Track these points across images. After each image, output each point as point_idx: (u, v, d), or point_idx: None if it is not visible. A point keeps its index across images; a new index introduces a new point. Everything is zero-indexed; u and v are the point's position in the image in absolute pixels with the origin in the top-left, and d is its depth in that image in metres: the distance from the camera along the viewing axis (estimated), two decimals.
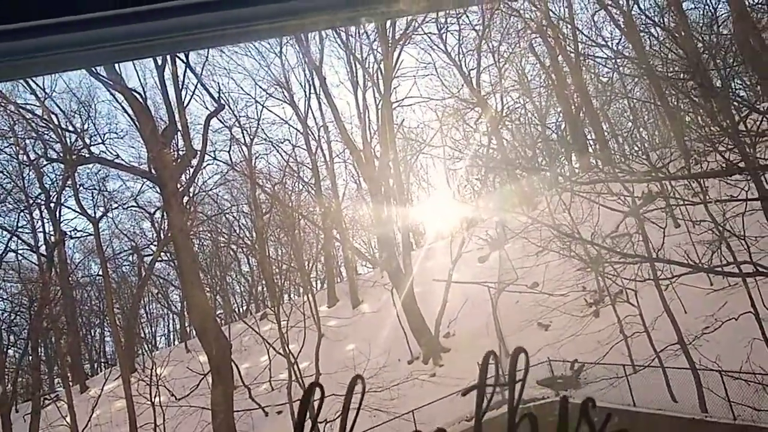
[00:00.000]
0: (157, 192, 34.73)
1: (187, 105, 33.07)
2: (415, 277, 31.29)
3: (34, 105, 34.36)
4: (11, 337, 37.85)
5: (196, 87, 34.50)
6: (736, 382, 18.53)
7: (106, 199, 37.95)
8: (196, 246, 39.25)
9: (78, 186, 36.62)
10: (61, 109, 35.17)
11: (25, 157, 37.56)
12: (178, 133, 32.17)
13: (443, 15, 35.35)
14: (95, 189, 37.50)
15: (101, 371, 40.59)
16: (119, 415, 29.59)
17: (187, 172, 32.98)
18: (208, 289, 38.15)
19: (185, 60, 32.43)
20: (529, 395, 17.94)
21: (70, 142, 35.43)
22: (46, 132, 35.58)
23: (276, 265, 40.80)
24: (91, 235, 37.60)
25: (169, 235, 32.59)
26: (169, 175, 28.99)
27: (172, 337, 47.91)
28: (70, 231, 38.82)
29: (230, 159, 39.15)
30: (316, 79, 35.93)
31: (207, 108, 34.64)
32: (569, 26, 36.36)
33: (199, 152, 32.51)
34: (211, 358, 26.77)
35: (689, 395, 19.78)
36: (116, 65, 28.96)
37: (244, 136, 38.63)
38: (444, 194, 40.42)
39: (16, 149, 37.24)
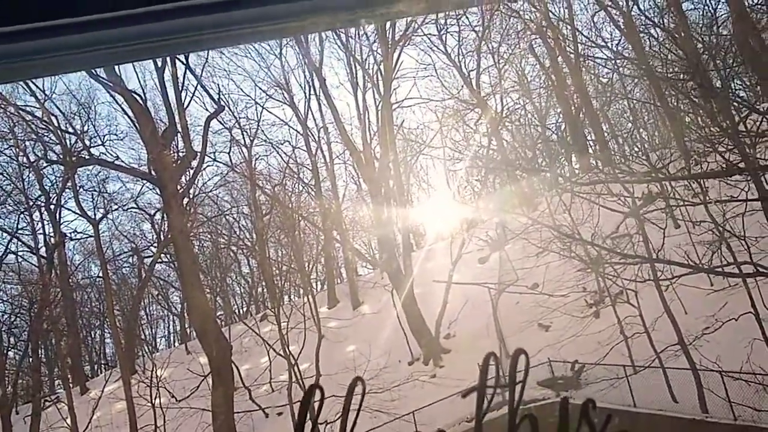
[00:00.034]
0: (157, 193, 34.78)
1: (187, 106, 33.12)
2: (416, 278, 31.29)
3: (34, 107, 34.43)
4: (11, 339, 37.92)
5: (196, 88, 34.43)
6: (736, 382, 18.53)
7: (106, 201, 38.03)
8: (197, 247, 39.31)
9: (78, 188, 36.66)
10: (61, 111, 35.23)
11: (25, 159, 37.62)
12: (178, 135, 32.19)
13: (443, 16, 35.38)
14: (95, 191, 37.56)
15: (101, 373, 40.61)
16: (120, 416, 29.59)
17: (187, 173, 33.02)
18: (208, 291, 38.19)
19: (185, 62, 32.48)
20: (529, 396, 17.94)
21: (70, 143, 35.47)
22: (46, 134, 35.63)
23: (276, 267, 40.79)
24: (91, 236, 37.65)
25: (169, 236, 32.60)
26: (169, 177, 29.00)
27: (172, 338, 47.96)
28: (70, 233, 38.90)
29: (230, 160, 39.21)
30: (316, 81, 35.98)
31: (207, 109, 34.70)
32: (569, 27, 36.39)
33: (199, 154, 32.53)
34: (212, 360, 26.76)
35: (690, 396, 19.78)
36: (116, 67, 28.95)
37: (244, 138, 38.69)
38: (444, 195, 40.42)
39: (16, 151, 37.31)
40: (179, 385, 29.25)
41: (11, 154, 37.34)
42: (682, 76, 21.85)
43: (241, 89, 39.96)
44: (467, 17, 36.36)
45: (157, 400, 28.30)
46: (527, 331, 26.63)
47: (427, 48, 37.44)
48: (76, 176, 36.32)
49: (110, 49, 1.27)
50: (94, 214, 36.77)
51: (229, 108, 36.77)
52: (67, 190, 37.37)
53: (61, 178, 37.58)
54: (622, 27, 32.82)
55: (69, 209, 38.13)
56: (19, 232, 37.99)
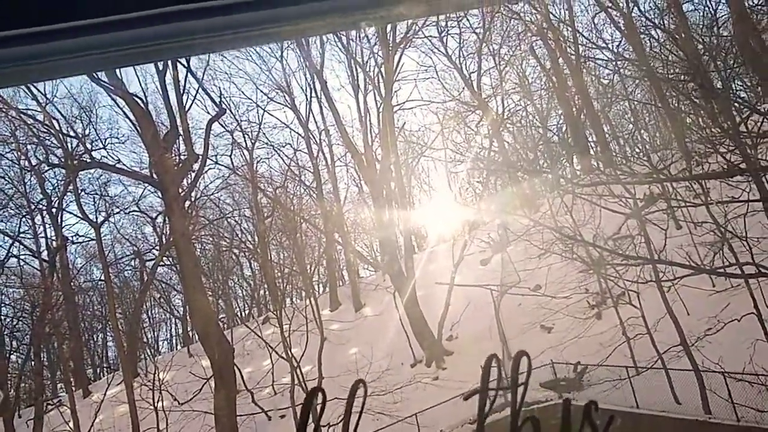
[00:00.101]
0: (158, 196, 34.76)
1: (189, 109, 33.11)
2: (418, 280, 31.29)
3: (36, 110, 34.45)
4: (14, 343, 37.93)
5: (197, 91, 34.51)
6: (739, 383, 18.51)
7: (107, 204, 38.00)
8: (198, 250, 39.33)
9: (79, 191, 36.65)
10: (62, 115, 35.23)
11: (26, 163, 37.66)
12: (180, 138, 32.19)
13: (443, 18, 35.38)
14: (97, 194, 37.54)
15: (104, 376, 40.60)
16: (122, 420, 29.57)
17: (189, 176, 33.01)
18: (210, 294, 38.19)
19: (186, 65, 32.50)
20: (532, 398, 17.92)
21: (72, 147, 35.46)
22: (47, 137, 35.64)
23: (278, 269, 40.86)
24: (92, 240, 37.64)
25: (171, 239, 32.59)
26: (171, 180, 29.00)
27: (174, 341, 47.94)
28: (72, 236, 38.87)
29: (232, 163, 39.20)
30: (317, 83, 35.98)
31: (208, 112, 34.71)
32: (570, 29, 36.39)
33: (200, 157, 32.53)
34: (214, 363, 26.75)
35: (692, 397, 19.75)
36: (117, 70, 29.03)
37: (245, 141, 38.71)
38: (445, 197, 40.44)
39: (17, 155, 37.34)
40: (181, 388, 29.25)
41: (13, 157, 37.41)
42: (682, 77, 21.85)
43: (243, 92, 40.21)
44: (468, 19, 36.41)
45: (160, 404, 28.29)
46: (530, 332, 26.62)
47: (428, 50, 37.50)
48: (77, 180, 36.34)
49: (110, 52, 1.27)
50: (96, 218, 36.78)
51: (230, 111, 36.83)
52: (68, 194, 37.41)
53: (62, 182, 37.64)
54: (623, 28, 32.83)
55: (71, 213, 38.08)
56: (21, 235, 38.04)
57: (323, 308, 35.55)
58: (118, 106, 32.39)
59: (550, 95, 40.16)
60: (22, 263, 38.81)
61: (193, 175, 33.44)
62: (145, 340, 45.60)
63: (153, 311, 47.54)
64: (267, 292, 44.23)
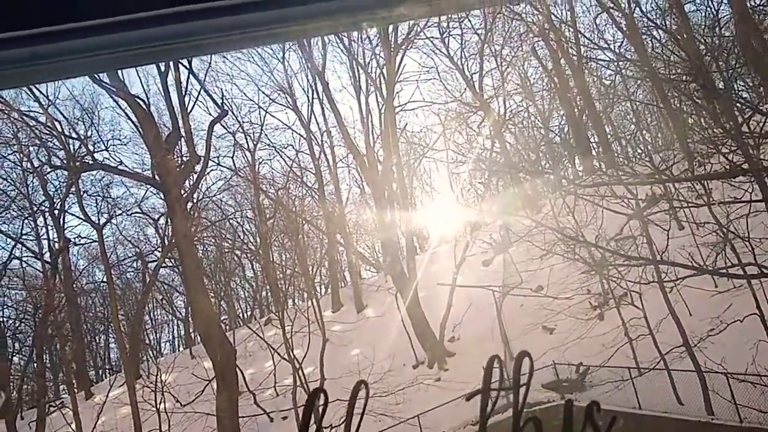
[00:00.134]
0: (161, 198, 34.79)
1: (191, 111, 33.13)
2: (420, 281, 31.28)
3: (38, 112, 34.50)
4: (16, 344, 38.00)
5: (199, 93, 34.43)
6: (742, 384, 18.48)
7: (110, 206, 38.04)
8: (201, 252, 39.35)
9: (82, 193, 36.67)
10: (64, 116, 35.28)
11: (28, 165, 37.72)
12: (182, 139, 32.20)
13: (445, 19, 35.39)
14: (99, 196, 37.58)
15: (106, 378, 40.66)
16: (124, 421, 29.60)
17: (191, 178, 33.04)
18: (212, 295, 38.19)
19: (188, 66, 32.50)
20: (534, 399, 17.91)
21: (74, 149, 35.50)
22: (49, 139, 35.69)
23: (280, 271, 40.89)
24: (95, 241, 37.71)
25: (173, 241, 32.58)
26: (173, 181, 29.01)
27: (176, 343, 48.03)
28: (74, 238, 38.94)
29: (234, 164, 39.25)
30: (319, 85, 36.02)
31: (210, 114, 34.74)
32: (571, 29, 36.41)
33: (202, 158, 32.55)
34: (216, 364, 26.75)
35: (695, 398, 19.73)
36: (119, 72, 29.04)
37: (247, 142, 38.76)
38: (447, 198, 40.44)
39: (19, 156, 37.38)
40: (184, 390, 29.25)
41: (15, 159, 37.46)
42: (684, 77, 21.84)
43: (245, 93, 40.28)
44: (469, 20, 36.42)
45: (162, 405, 28.31)
46: (531, 333, 26.60)
47: (429, 51, 37.52)
48: (79, 181, 36.39)
49: (119, 52, 1.27)
50: (98, 219, 36.81)
51: (232, 112, 36.86)
52: (71, 195, 37.46)
53: (65, 183, 37.68)
54: (625, 29, 32.86)
55: (73, 214, 38.14)
56: (24, 237, 38.06)
57: (325, 309, 35.59)
58: (120, 107, 32.45)
59: (552, 96, 40.18)
60: (24, 265, 38.90)
61: (195, 176, 33.49)
62: (147, 341, 45.66)
63: (155, 313, 47.68)
64: (269, 294, 44.29)
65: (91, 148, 35.23)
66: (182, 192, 30.66)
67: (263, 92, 38.41)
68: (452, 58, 37.25)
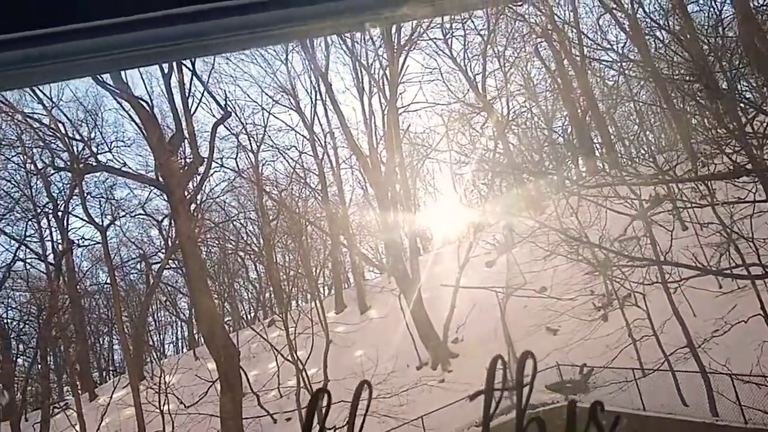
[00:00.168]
0: (164, 200, 34.85)
1: (194, 113, 33.19)
2: (423, 282, 31.27)
3: (41, 114, 34.54)
4: (20, 346, 38.03)
5: (202, 95, 34.46)
6: (746, 385, 18.45)
7: (113, 208, 38.08)
8: (204, 253, 39.39)
9: (85, 194, 36.73)
10: (68, 118, 35.31)
11: (32, 166, 37.78)
12: (185, 141, 32.25)
13: (448, 20, 35.40)
14: (103, 197, 37.63)
15: (110, 379, 40.65)
16: (128, 423, 29.63)
17: (195, 179, 33.09)
18: (216, 296, 38.23)
19: (192, 68, 32.57)
20: (538, 400, 17.91)
21: (77, 150, 35.57)
22: (53, 141, 35.74)
23: (283, 272, 40.90)
24: (98, 243, 37.72)
25: (177, 242, 32.65)
26: (177, 183, 29.04)
27: (180, 344, 47.99)
28: (78, 239, 38.95)
29: (237, 166, 39.32)
30: (322, 86, 36.04)
31: (214, 115, 34.77)
32: (574, 30, 36.38)
33: (206, 160, 32.60)
34: (220, 366, 26.76)
35: (699, 399, 19.70)
36: (122, 74, 29.09)
37: (250, 143, 38.79)
38: (451, 199, 40.40)
39: (23, 158, 37.47)
40: (188, 391, 29.29)
41: (19, 161, 37.56)
42: (688, 78, 21.80)
43: (248, 95, 40.04)
44: (473, 21, 36.43)
45: (166, 407, 28.35)
46: (535, 334, 26.57)
47: (432, 52, 37.51)
48: (83, 183, 36.42)
49: (116, 54, 1.27)
50: (102, 221, 36.88)
51: (235, 114, 36.92)
52: (74, 197, 37.50)
53: (68, 185, 37.75)
54: (628, 30, 32.80)
55: (76, 216, 38.14)
56: (27, 239, 38.12)
57: (328, 311, 35.58)
58: (124, 109, 32.51)
59: (555, 97, 40.18)
60: (28, 267, 38.97)
61: (199, 178, 33.54)
62: (151, 343, 45.64)
63: (159, 314, 47.65)
64: (272, 295, 44.31)
65: (94, 149, 35.32)
66: (186, 193, 30.68)
67: (266, 94, 38.47)
68: (455, 59, 37.27)
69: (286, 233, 40.36)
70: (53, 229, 38.54)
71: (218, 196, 40.69)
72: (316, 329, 29.54)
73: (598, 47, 34.58)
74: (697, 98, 21.44)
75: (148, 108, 30.46)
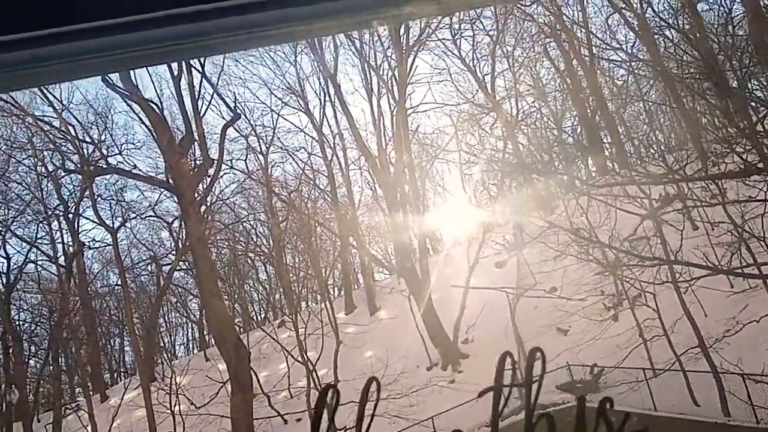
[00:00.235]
0: (174, 201, 34.96)
1: (204, 115, 33.26)
2: (433, 283, 31.24)
3: (52, 117, 34.69)
4: (32, 348, 38.25)
5: (212, 97, 34.53)
6: (758, 385, 18.33)
7: (124, 210, 38.20)
8: (214, 255, 39.46)
9: (96, 197, 36.85)
10: (78, 121, 35.45)
11: (43, 169, 37.94)
12: (195, 143, 32.32)
13: (457, 21, 35.39)
14: (113, 199, 37.76)
15: (121, 381, 40.79)
16: (139, 424, 29.73)
17: (205, 181, 33.13)
18: (226, 298, 38.25)
19: (201, 70, 32.66)
20: (549, 400, 17.84)
21: (88, 153, 35.70)
22: (63, 143, 35.89)
23: (293, 273, 40.98)
24: (109, 245, 37.87)
25: (187, 244, 32.74)
26: (187, 185, 29.09)
27: (191, 345, 48.13)
28: (89, 241, 39.12)
29: (247, 168, 39.36)
30: (331, 87, 36.03)
31: (223, 117, 34.86)
32: (583, 30, 36.28)
33: (215, 161, 32.66)
34: (230, 366, 26.80)
35: (711, 399, 19.58)
36: (132, 76, 29.22)
37: (260, 145, 38.85)
38: (460, 200, 40.35)
39: (34, 161, 37.65)
40: (198, 392, 29.35)
41: (30, 164, 37.73)
42: (697, 76, 21.71)
43: (257, 97, 40.20)
44: (481, 22, 36.43)
45: (177, 408, 28.43)
46: (546, 335, 26.50)
47: (441, 53, 37.49)
48: (93, 185, 36.55)
49: (119, 54, 1.28)
50: (113, 223, 37.01)
51: (245, 116, 36.98)
52: (85, 199, 37.63)
53: (79, 188, 37.88)
54: (637, 29, 32.69)
55: (87, 218, 38.37)
56: (38, 241, 38.31)
57: (338, 312, 35.61)
58: (134, 111, 32.56)
59: (565, 97, 40.07)
60: (39, 269, 39.18)
61: (209, 179, 33.58)
62: (161, 344, 45.80)
63: (169, 316, 47.80)
64: (282, 296, 44.39)
65: (104, 152, 35.42)
66: (196, 195, 30.73)
67: (275, 95, 38.52)
68: (464, 59, 37.22)
69: (296, 234, 40.44)
70: (64, 232, 38.74)
71: (228, 198, 40.83)
72: (326, 330, 29.60)
73: (607, 47, 34.50)
74: (707, 97, 21.34)
75: (158, 110, 30.55)
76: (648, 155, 35.65)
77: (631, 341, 22.88)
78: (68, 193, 38.49)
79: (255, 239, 44.49)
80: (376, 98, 35.77)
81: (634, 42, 34.09)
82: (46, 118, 34.76)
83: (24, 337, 36.56)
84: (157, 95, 41.44)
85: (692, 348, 20.62)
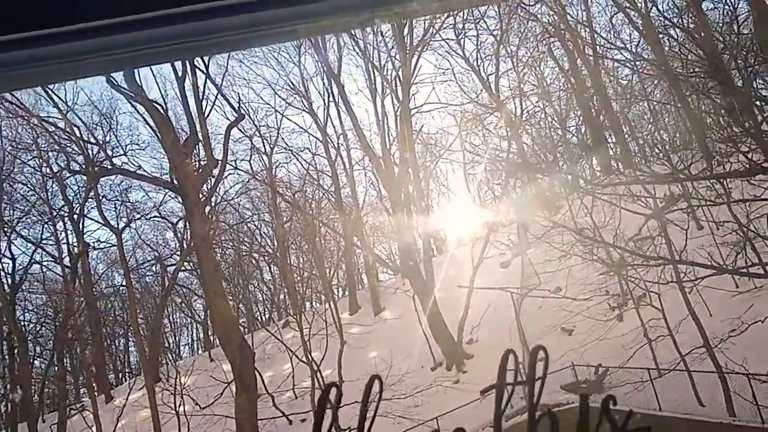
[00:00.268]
0: (179, 202, 34.96)
1: (208, 115, 33.23)
2: (437, 283, 31.22)
3: (57, 118, 34.72)
4: (37, 348, 38.32)
5: (216, 97, 34.59)
6: (764, 385, 18.29)
7: (128, 210, 38.22)
8: (219, 255, 39.45)
9: (101, 197, 36.88)
10: (83, 122, 35.48)
11: (48, 170, 38.04)
12: (200, 144, 32.33)
13: (461, 21, 35.36)
14: (118, 200, 37.79)
15: (126, 381, 40.87)
16: (144, 424, 29.76)
17: (209, 181, 33.16)
18: (230, 298, 38.29)
19: (205, 71, 32.65)
20: (553, 400, 17.83)
21: (93, 154, 35.74)
22: (68, 144, 35.94)
23: (297, 273, 40.97)
24: (114, 245, 37.92)
25: (192, 244, 32.74)
26: (191, 185, 29.10)
27: (195, 346, 48.17)
28: (94, 242, 39.20)
29: (251, 168, 39.34)
30: (335, 87, 36.05)
31: (227, 118, 34.83)
32: (587, 29, 36.25)
33: (220, 162, 32.67)
34: (235, 367, 26.80)
35: (716, 399, 19.55)
36: (137, 77, 29.27)
37: (264, 145, 38.87)
38: (464, 200, 40.34)
39: (39, 162, 37.72)
40: (203, 393, 29.39)
41: (35, 164, 37.81)
42: (702, 75, 21.67)
43: (261, 97, 40.04)
44: (485, 21, 36.39)
45: (181, 408, 28.46)
46: (550, 335, 26.46)
47: (445, 53, 37.42)
48: (98, 186, 36.60)
49: (121, 53, 1.28)
50: (117, 224, 37.00)
51: (249, 116, 36.95)
52: (90, 200, 37.68)
53: (83, 188, 37.95)
54: (641, 28, 32.62)
55: (92, 219, 38.36)
56: (43, 242, 38.37)
57: (342, 312, 35.61)
58: (138, 112, 32.67)
59: (569, 96, 40.01)
60: (44, 269, 39.28)
61: (213, 180, 33.63)
62: (166, 344, 45.87)
63: (174, 316, 47.86)
64: (287, 296, 44.38)
65: (109, 152, 35.46)
66: (200, 196, 30.76)
67: (279, 96, 38.53)
68: (468, 59, 37.18)
69: (300, 235, 40.46)
70: (69, 232, 38.82)
71: (232, 198, 40.83)
72: (330, 330, 29.62)
73: (612, 46, 34.42)
74: (712, 96, 21.29)
75: (162, 111, 30.57)
76: (653, 155, 35.53)
77: (635, 341, 22.84)
78: (73, 194, 38.64)
79: (259, 239, 44.53)
80: (380, 98, 35.80)
81: (639, 41, 34.00)
82: (51, 119, 34.84)
83: (29, 338, 36.65)
84: (162, 96, 41.65)
85: (697, 348, 20.58)
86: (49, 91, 32.01)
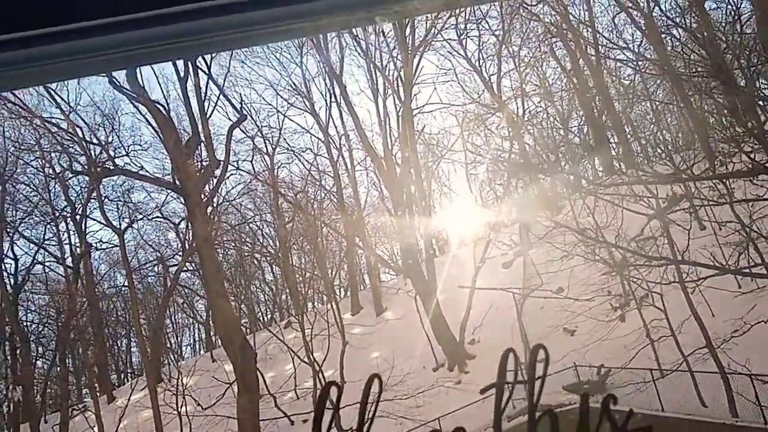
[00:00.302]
0: (181, 202, 34.98)
1: (210, 116, 33.23)
2: (439, 283, 31.21)
3: (59, 119, 34.75)
4: (39, 349, 38.38)
5: (218, 98, 34.69)
6: (766, 385, 18.26)
7: (130, 211, 38.23)
8: (221, 255, 39.48)
9: (103, 198, 36.91)
10: (85, 123, 35.51)
11: (50, 171, 38.07)
12: (202, 144, 32.33)
13: (463, 21, 35.36)
14: (120, 201, 37.81)
15: (128, 381, 40.88)
16: (146, 425, 29.76)
17: (211, 182, 33.14)
18: (232, 299, 38.30)
19: (207, 71, 32.67)
20: (555, 401, 17.81)
21: (95, 154, 35.75)
22: (71, 145, 35.94)
23: (299, 274, 40.98)
24: (116, 246, 37.92)
25: (194, 245, 32.73)
26: (193, 186, 29.10)
27: (197, 346, 48.22)
28: (96, 243, 39.20)
29: (253, 168, 39.31)
30: (337, 88, 36.04)
31: (229, 119, 34.81)
32: (590, 29, 36.21)
33: (222, 162, 32.67)
34: (237, 367, 26.79)
35: (719, 400, 19.51)
36: (139, 78, 29.31)
37: (266, 146, 38.86)
38: (466, 200, 40.33)
39: (42, 162, 37.75)
40: (205, 393, 29.38)
41: (37, 165, 37.87)
42: (705, 75, 21.64)
43: (263, 98, 40.05)
44: (487, 21, 36.39)
45: (183, 408, 28.46)
46: (552, 335, 26.44)
47: (447, 53, 37.42)
48: (101, 187, 36.64)
49: (121, 52, 1.28)
50: (119, 224, 37.02)
51: (251, 117, 36.94)
52: (92, 201, 37.71)
53: (86, 189, 37.98)
54: (644, 28, 32.60)
55: (94, 219, 38.38)
56: (46, 242, 38.39)
57: (344, 312, 35.58)
58: (141, 113, 32.66)
59: (571, 96, 39.97)
60: (47, 270, 39.33)
61: (215, 180, 33.60)
62: (168, 345, 45.85)
63: (176, 316, 47.88)
64: (289, 297, 44.35)
65: (112, 153, 35.49)
66: (202, 196, 30.75)
67: (281, 96, 38.54)
68: (470, 59, 37.16)
69: (302, 235, 40.46)
70: (71, 233, 38.85)
71: (234, 199, 40.81)
72: (332, 331, 29.61)
73: (614, 46, 34.39)
74: (715, 96, 21.26)
75: (164, 112, 30.58)
76: (655, 155, 35.51)
77: (638, 342, 22.82)
78: (75, 195, 38.68)
79: (261, 240, 44.55)
80: (382, 99, 35.80)
81: (641, 41, 34.00)
82: (53, 120, 34.88)
83: (31, 338, 36.70)
84: (164, 97, 41.38)
85: (700, 348, 20.54)
86: (52, 92, 32.10)
